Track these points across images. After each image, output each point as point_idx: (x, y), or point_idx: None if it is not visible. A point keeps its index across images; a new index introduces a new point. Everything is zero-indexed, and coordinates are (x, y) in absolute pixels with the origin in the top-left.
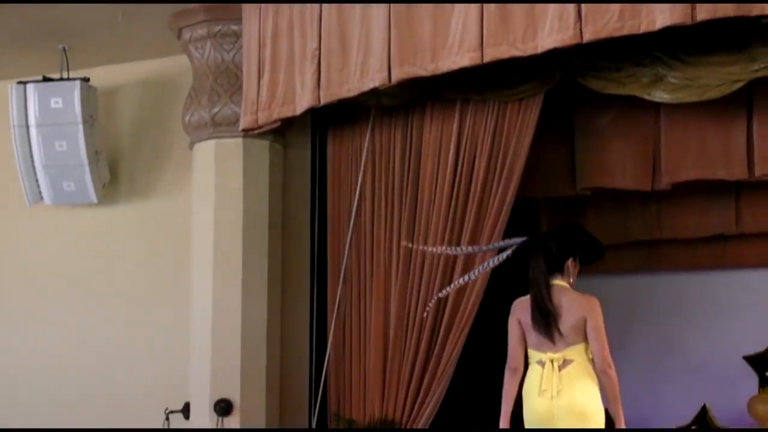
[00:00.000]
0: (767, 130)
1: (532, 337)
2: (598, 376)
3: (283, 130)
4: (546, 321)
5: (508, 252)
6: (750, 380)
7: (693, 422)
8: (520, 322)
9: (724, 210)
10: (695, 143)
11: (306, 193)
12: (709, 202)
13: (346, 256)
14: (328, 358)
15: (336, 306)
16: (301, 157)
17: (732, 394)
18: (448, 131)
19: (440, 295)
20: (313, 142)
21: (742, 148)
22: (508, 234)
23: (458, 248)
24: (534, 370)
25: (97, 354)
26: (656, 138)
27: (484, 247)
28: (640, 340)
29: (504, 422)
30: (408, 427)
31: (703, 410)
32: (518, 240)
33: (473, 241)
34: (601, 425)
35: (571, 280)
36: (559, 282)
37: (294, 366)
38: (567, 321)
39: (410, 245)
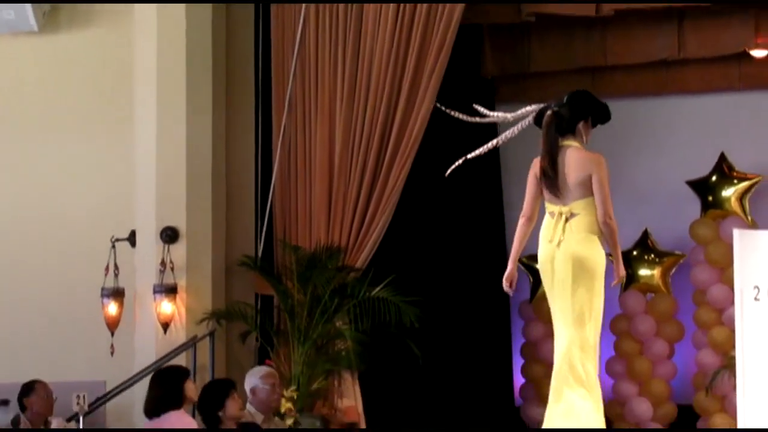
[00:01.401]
0: None
1: (546, 191)
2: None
3: None
4: (548, 179)
5: (529, 119)
6: (693, 205)
7: (634, 247)
8: (537, 177)
9: (667, 35)
10: None
11: (250, 19)
12: (654, 28)
13: (290, 82)
14: (274, 186)
15: (281, 133)
16: None
17: (675, 218)
18: None
19: (469, 156)
20: None
21: None
22: (452, 58)
23: (486, 114)
24: (546, 219)
25: (41, 183)
26: None
27: (510, 116)
28: None
29: (511, 263)
30: (353, 253)
31: (644, 235)
32: (536, 107)
33: (418, 64)
34: (597, 270)
35: (585, 140)
36: (570, 142)
37: (239, 193)
38: (575, 177)
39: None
